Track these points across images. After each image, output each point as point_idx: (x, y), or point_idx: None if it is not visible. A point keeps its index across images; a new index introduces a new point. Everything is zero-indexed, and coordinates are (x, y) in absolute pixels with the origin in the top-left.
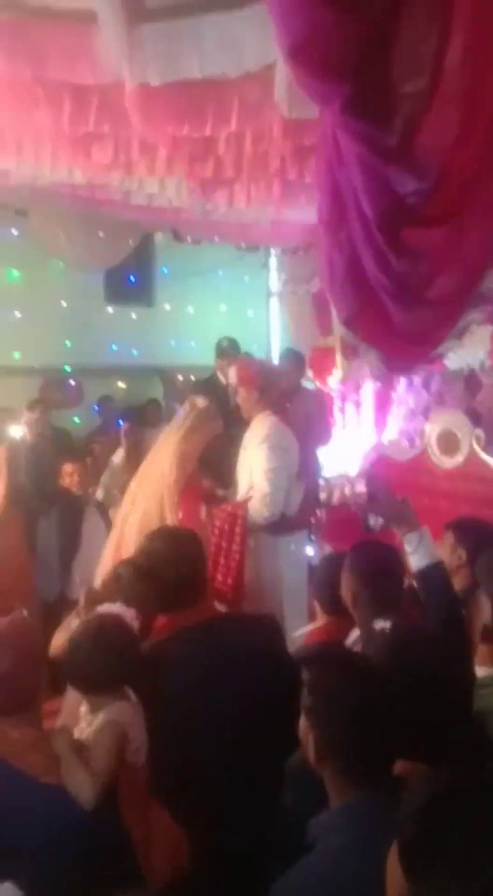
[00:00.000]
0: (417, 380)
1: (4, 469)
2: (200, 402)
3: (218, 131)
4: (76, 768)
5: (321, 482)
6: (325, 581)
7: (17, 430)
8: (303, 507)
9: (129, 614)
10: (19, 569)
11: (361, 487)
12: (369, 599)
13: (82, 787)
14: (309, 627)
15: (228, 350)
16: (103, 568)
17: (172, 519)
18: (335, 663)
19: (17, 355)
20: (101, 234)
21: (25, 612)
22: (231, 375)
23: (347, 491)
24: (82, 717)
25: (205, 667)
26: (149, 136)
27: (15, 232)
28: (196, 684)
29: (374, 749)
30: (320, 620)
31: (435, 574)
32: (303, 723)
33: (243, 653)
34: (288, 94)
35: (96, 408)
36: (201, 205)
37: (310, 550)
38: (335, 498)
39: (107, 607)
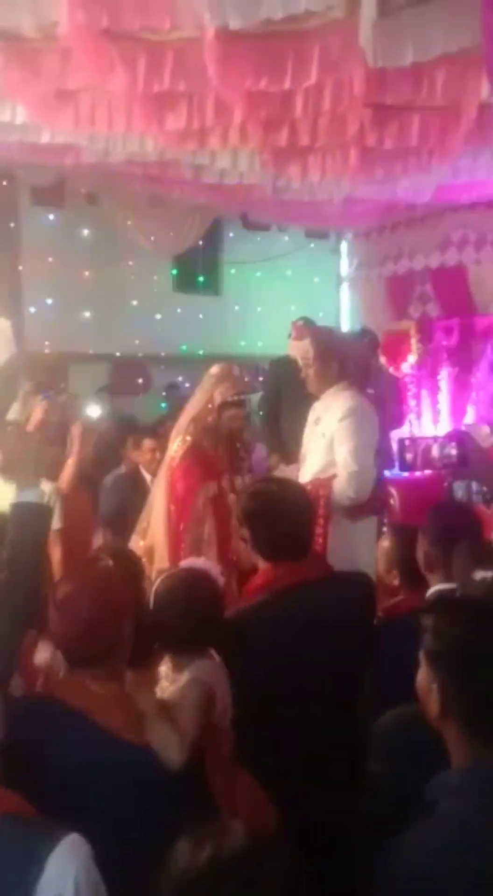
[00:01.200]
0: None
1: (78, 444)
2: (214, 368)
3: (297, 84)
4: (164, 726)
5: (407, 442)
6: (398, 554)
7: (95, 410)
8: (376, 488)
9: (215, 569)
10: (87, 543)
11: (451, 449)
12: (464, 553)
13: (171, 745)
14: (389, 603)
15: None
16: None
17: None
18: (464, 606)
19: (87, 343)
20: (170, 221)
21: (111, 563)
22: (306, 347)
23: (435, 452)
24: (164, 676)
25: (297, 634)
26: (225, 91)
27: (86, 221)
28: (286, 652)
29: None
30: (400, 595)
31: None
32: (424, 674)
33: (336, 618)
34: (373, 40)
35: (164, 392)
36: (273, 180)
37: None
38: (420, 460)
39: (193, 561)
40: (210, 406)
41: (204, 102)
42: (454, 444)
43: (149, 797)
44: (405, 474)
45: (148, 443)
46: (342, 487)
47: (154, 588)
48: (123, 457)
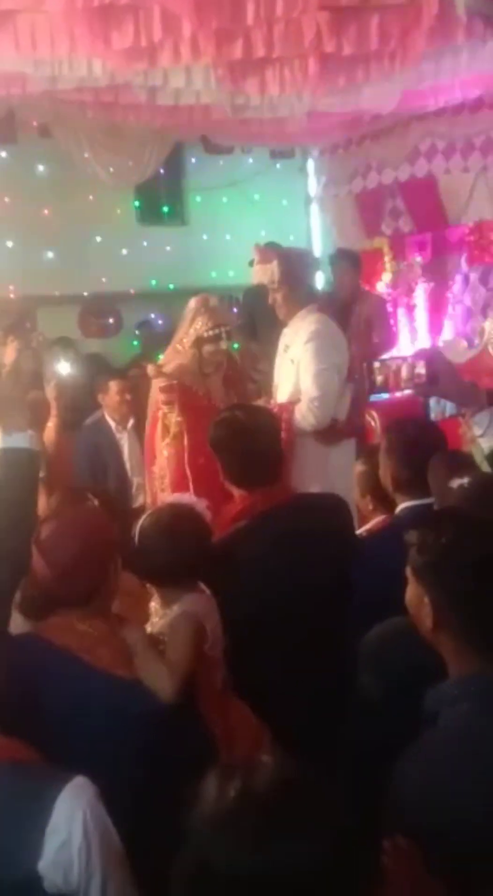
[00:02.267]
0: (473, 276)
1: (54, 407)
2: (192, 301)
3: None
4: (154, 661)
5: (375, 364)
6: (372, 478)
7: (65, 367)
8: (352, 412)
9: (200, 504)
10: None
11: (420, 369)
12: (439, 464)
13: (161, 679)
14: (364, 528)
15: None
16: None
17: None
18: (447, 517)
19: (52, 286)
20: (128, 150)
21: (96, 502)
22: (272, 270)
23: (404, 373)
24: (154, 612)
25: (281, 556)
26: (170, 2)
27: (40, 156)
28: (273, 575)
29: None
30: (375, 518)
31: None
32: (413, 589)
33: (316, 538)
34: None
35: (136, 329)
36: (231, 98)
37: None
38: (390, 381)
39: (177, 497)
40: (187, 341)
41: (150, 16)
42: (422, 362)
43: (142, 731)
44: (386, 396)
45: (114, 385)
46: (304, 413)
47: (138, 525)
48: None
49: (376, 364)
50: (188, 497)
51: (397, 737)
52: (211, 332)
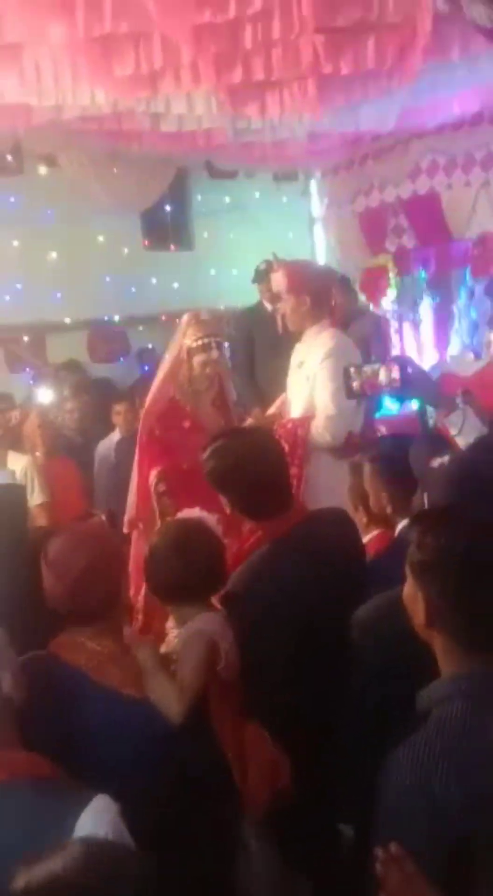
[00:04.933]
0: (478, 289)
1: (38, 437)
2: (184, 317)
3: (242, 11)
4: (163, 681)
5: (352, 370)
6: (360, 491)
7: (47, 395)
8: (367, 426)
9: (211, 519)
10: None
11: (395, 373)
12: (419, 447)
13: (170, 700)
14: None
15: (267, 270)
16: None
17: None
18: (448, 517)
19: (61, 310)
20: (133, 176)
21: (103, 517)
22: (278, 282)
23: (382, 378)
24: (169, 632)
25: (303, 577)
26: (168, 28)
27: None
28: (296, 597)
29: (486, 607)
30: (370, 532)
31: None
32: (409, 586)
33: (333, 557)
34: None
35: (139, 363)
36: (233, 122)
37: None
38: (366, 386)
39: (187, 512)
40: (180, 356)
41: (150, 44)
42: (396, 367)
43: (150, 752)
44: (395, 412)
45: (117, 407)
46: (320, 431)
47: (149, 545)
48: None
49: (352, 370)
50: (197, 511)
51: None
52: (201, 342)
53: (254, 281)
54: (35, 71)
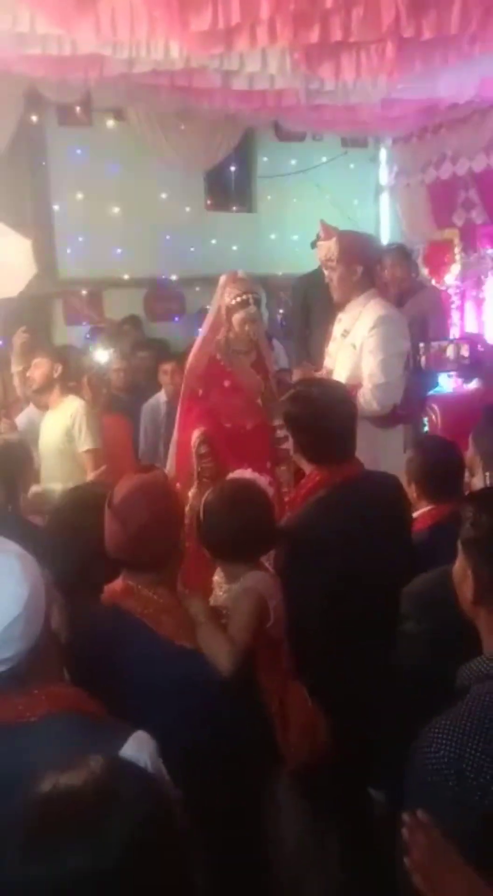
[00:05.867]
0: None
1: (88, 394)
2: (222, 278)
3: None
4: (215, 633)
5: (421, 346)
6: (422, 467)
7: (103, 356)
8: (407, 399)
9: (262, 480)
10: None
11: (465, 351)
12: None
13: (221, 652)
14: (416, 514)
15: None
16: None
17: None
18: None
19: (119, 268)
20: (200, 134)
21: (166, 470)
22: (329, 249)
23: (449, 354)
24: (217, 586)
25: (358, 526)
26: None
27: (113, 138)
28: (352, 545)
29: None
30: (422, 507)
31: None
32: (460, 562)
33: (387, 513)
34: None
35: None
36: (306, 82)
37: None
38: (433, 361)
39: (240, 472)
40: (219, 315)
41: (229, 2)
42: (467, 345)
43: (200, 700)
44: (449, 390)
45: (165, 366)
46: (368, 399)
47: (203, 500)
48: (160, 381)
49: (421, 345)
50: (250, 473)
51: (439, 684)
52: (239, 299)
53: (313, 246)
54: (111, 23)
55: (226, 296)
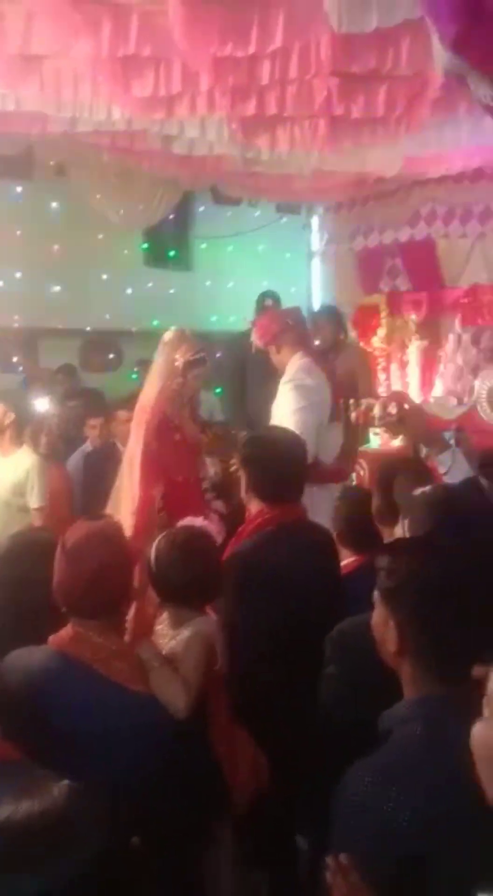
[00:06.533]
0: (465, 337)
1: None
2: (167, 335)
3: (263, 48)
4: (169, 677)
5: (350, 402)
6: (346, 518)
7: (42, 403)
8: (342, 457)
9: (212, 527)
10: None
11: (392, 408)
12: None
13: (176, 696)
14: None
15: (270, 308)
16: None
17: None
18: (417, 544)
19: (56, 318)
20: (140, 194)
21: (116, 519)
22: (254, 339)
23: (377, 411)
24: (160, 634)
25: (301, 563)
26: (190, 56)
27: (54, 194)
28: (293, 580)
29: (454, 634)
30: (346, 557)
31: None
32: (379, 614)
33: (324, 554)
34: (338, 5)
35: (136, 368)
36: (243, 151)
37: None
38: (362, 418)
39: (191, 520)
40: (174, 370)
41: (170, 68)
42: (394, 403)
43: (154, 745)
44: (375, 446)
45: (123, 414)
46: None
47: (155, 545)
48: (85, 434)
49: (351, 401)
50: (199, 520)
51: (361, 728)
52: (198, 356)
53: (255, 313)
54: (55, 83)
55: (182, 352)
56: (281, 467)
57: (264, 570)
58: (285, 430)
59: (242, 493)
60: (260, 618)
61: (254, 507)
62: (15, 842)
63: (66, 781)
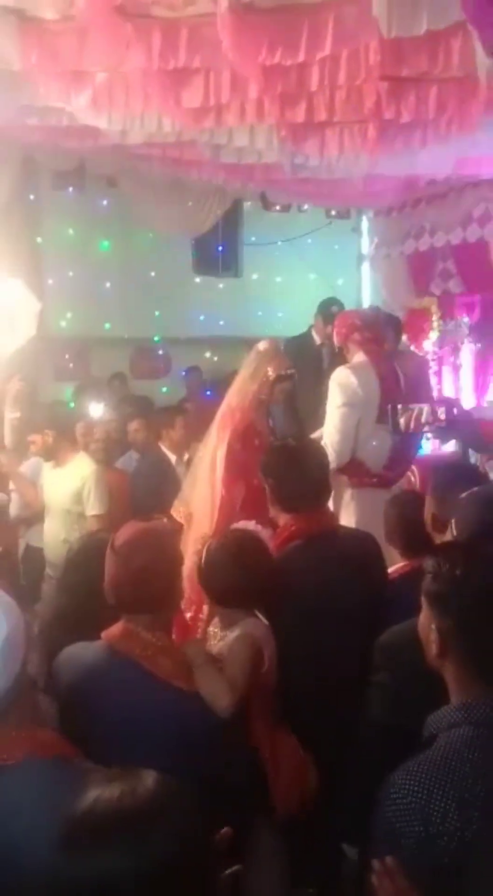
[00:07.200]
0: None
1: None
2: (262, 345)
3: (312, 56)
4: (214, 676)
5: (399, 407)
6: (397, 523)
7: (96, 409)
8: (393, 462)
9: (264, 533)
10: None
11: (441, 413)
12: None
13: (220, 694)
14: (391, 569)
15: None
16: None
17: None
18: (464, 548)
19: (107, 326)
20: (189, 203)
21: (166, 520)
22: (334, 336)
23: (425, 416)
24: (212, 636)
25: (329, 575)
26: (240, 66)
27: (105, 203)
28: (321, 593)
29: None
30: (397, 561)
31: None
32: (424, 616)
33: (357, 564)
34: (387, 10)
35: (184, 374)
36: (291, 157)
37: None
38: (412, 423)
39: (244, 524)
40: (265, 380)
41: (220, 78)
42: (443, 408)
43: (197, 742)
44: (427, 452)
45: (181, 421)
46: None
47: (206, 548)
48: (129, 441)
49: (400, 407)
50: (252, 524)
51: (407, 736)
52: (288, 371)
53: (317, 314)
54: (108, 97)
55: (274, 364)
56: (299, 475)
57: (292, 587)
58: (304, 439)
59: (270, 506)
60: (291, 632)
61: (281, 520)
62: (106, 820)
63: (151, 770)
